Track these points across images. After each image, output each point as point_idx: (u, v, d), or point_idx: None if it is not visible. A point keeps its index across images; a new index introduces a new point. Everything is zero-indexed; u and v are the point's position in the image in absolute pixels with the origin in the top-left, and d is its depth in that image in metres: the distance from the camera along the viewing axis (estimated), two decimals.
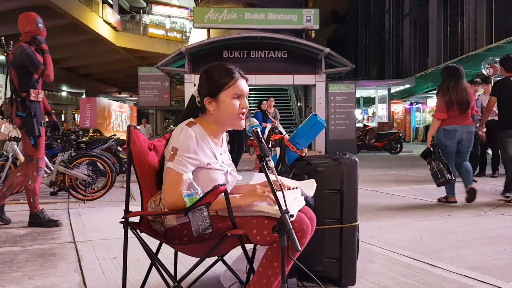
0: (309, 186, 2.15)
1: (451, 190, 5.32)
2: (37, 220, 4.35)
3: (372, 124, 20.11)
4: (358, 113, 20.67)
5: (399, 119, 29.17)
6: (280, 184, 1.76)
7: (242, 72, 2.02)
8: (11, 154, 5.74)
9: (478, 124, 6.73)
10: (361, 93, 20.18)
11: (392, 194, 6.11)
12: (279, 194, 1.71)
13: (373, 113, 24.93)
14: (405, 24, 28.18)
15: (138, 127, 13.26)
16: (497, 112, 6.01)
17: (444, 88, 5.26)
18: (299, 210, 1.89)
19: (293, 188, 2.02)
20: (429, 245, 3.43)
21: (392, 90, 20.41)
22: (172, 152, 1.86)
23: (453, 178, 5.06)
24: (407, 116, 29.37)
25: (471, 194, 5.15)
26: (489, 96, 5.92)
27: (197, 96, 2.02)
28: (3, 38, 4.34)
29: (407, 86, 19.92)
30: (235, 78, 1.97)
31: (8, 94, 4.37)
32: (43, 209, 4.46)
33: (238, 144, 9.45)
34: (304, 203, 2.01)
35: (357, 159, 2.48)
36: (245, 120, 2.01)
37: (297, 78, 13.41)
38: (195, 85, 2.07)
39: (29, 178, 4.34)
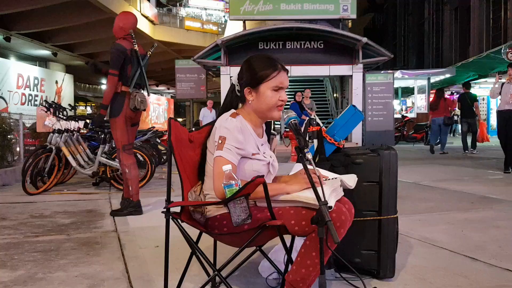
0: (350, 180, 2.13)
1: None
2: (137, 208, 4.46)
3: (411, 115, 19.67)
4: (396, 103, 20.21)
5: None
6: (318, 176, 1.76)
7: (283, 65, 2.02)
8: (54, 146, 5.96)
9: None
10: (399, 83, 19.71)
11: (432, 187, 5.99)
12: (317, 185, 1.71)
13: (412, 103, 24.35)
14: (445, 12, 27.27)
15: (204, 109, 13.03)
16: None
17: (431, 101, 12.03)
18: (338, 201, 1.89)
19: (332, 178, 2.01)
20: (470, 238, 3.36)
21: (432, 80, 19.87)
22: (220, 141, 1.86)
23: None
24: None
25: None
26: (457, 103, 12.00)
27: (237, 85, 2.04)
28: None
29: (448, 75, 19.32)
30: (277, 70, 1.97)
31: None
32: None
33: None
34: (343, 194, 2.00)
35: (396, 151, 2.45)
36: (282, 112, 2.03)
37: (334, 68, 13.26)
38: (231, 77, 2.09)
39: None
